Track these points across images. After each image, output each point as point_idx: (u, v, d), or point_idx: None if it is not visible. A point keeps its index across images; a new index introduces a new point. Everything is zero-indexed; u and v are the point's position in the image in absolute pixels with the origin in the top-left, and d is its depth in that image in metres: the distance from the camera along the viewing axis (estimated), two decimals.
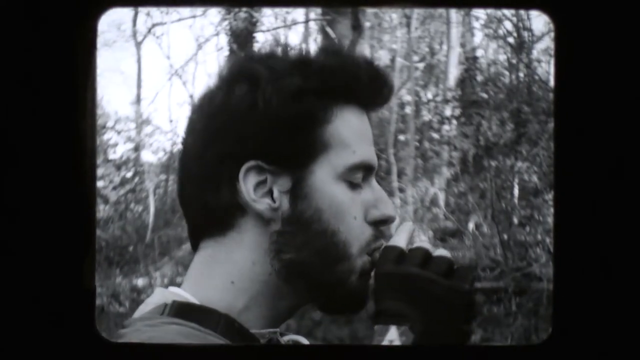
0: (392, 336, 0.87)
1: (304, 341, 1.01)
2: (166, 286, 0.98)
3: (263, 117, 0.92)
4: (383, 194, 0.99)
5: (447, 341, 0.89)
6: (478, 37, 14.00)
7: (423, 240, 0.96)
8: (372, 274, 0.94)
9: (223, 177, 0.94)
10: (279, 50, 1.00)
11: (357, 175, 0.96)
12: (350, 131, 0.96)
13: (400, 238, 0.96)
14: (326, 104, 0.95)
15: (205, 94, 0.98)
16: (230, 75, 0.97)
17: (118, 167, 12.73)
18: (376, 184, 0.99)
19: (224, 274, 0.95)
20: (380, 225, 0.98)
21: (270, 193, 0.94)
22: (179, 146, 1.02)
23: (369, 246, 0.96)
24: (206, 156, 0.94)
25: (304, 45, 1.00)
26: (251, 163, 0.93)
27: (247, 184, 0.93)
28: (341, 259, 0.94)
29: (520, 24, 10.06)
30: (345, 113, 0.96)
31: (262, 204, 0.93)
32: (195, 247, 0.99)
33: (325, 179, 0.94)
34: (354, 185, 0.96)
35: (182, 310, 0.92)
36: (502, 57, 11.66)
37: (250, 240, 0.95)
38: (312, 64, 0.96)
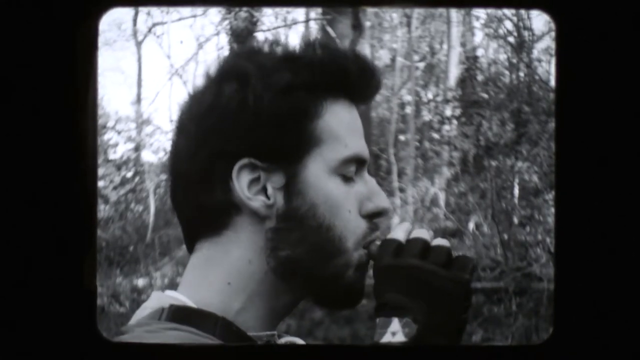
0: (395, 328, 0.87)
1: (301, 343, 1.01)
2: (165, 287, 0.98)
3: (254, 114, 0.92)
4: (376, 186, 0.98)
5: (448, 330, 0.89)
6: (478, 37, 14.01)
7: (421, 230, 0.95)
8: (372, 268, 0.94)
9: (216, 176, 0.93)
10: (265, 46, 1.00)
11: (350, 168, 0.96)
12: (341, 125, 0.96)
13: (398, 232, 0.96)
14: (316, 98, 0.95)
15: (194, 94, 0.98)
16: (218, 74, 0.97)
17: (118, 167, 12.74)
18: (369, 177, 0.99)
19: (220, 274, 0.94)
20: (375, 217, 0.98)
21: (264, 190, 0.93)
22: (169, 147, 1.01)
23: (365, 239, 0.96)
24: (198, 156, 0.94)
25: (290, 41, 1.00)
26: (244, 161, 0.93)
27: (241, 182, 0.93)
28: (337, 253, 0.94)
29: (521, 24, 10.05)
30: (335, 107, 0.96)
31: (256, 202, 0.93)
32: (190, 249, 0.99)
33: (318, 174, 0.94)
34: (347, 179, 0.95)
35: (179, 315, 0.91)
36: (503, 57, 11.67)
37: (246, 239, 0.94)
38: (300, 59, 0.95)
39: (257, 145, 0.93)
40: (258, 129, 0.92)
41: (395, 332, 0.87)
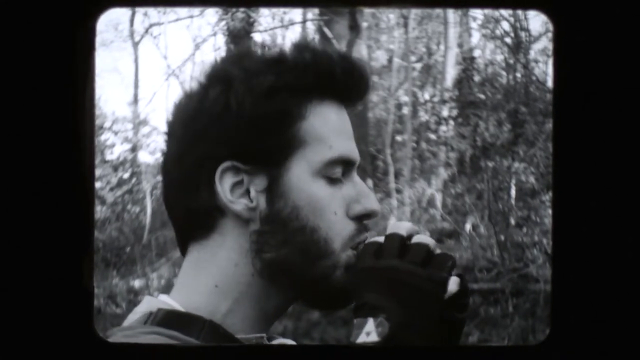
0: (369, 328, 0.87)
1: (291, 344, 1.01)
2: (162, 288, 0.98)
3: (236, 117, 0.93)
4: (365, 188, 0.98)
5: (424, 329, 0.87)
6: (475, 38, 14.03)
7: (398, 225, 0.95)
8: (352, 270, 0.94)
9: (201, 180, 0.94)
10: (253, 49, 1.00)
11: (336, 170, 0.95)
12: (327, 126, 0.96)
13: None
14: (300, 100, 0.95)
15: (183, 98, 0.99)
16: (206, 79, 0.97)
17: (115, 168, 12.71)
18: (358, 179, 0.99)
19: (208, 277, 0.95)
20: (364, 219, 0.97)
21: (247, 193, 0.94)
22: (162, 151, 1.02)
23: (353, 240, 0.96)
24: (186, 160, 0.95)
25: (281, 44, 1.00)
26: (227, 164, 0.93)
27: (224, 185, 0.93)
28: (323, 255, 0.94)
29: (518, 24, 10.07)
30: (320, 108, 0.96)
31: (239, 205, 0.93)
32: (183, 252, 0.99)
33: (301, 176, 0.94)
34: (333, 181, 0.95)
35: (165, 319, 0.91)
36: (500, 58, 11.68)
37: (232, 242, 0.95)
38: (285, 62, 0.96)
39: (240, 149, 0.93)
40: (240, 132, 0.93)
41: (369, 332, 0.86)
